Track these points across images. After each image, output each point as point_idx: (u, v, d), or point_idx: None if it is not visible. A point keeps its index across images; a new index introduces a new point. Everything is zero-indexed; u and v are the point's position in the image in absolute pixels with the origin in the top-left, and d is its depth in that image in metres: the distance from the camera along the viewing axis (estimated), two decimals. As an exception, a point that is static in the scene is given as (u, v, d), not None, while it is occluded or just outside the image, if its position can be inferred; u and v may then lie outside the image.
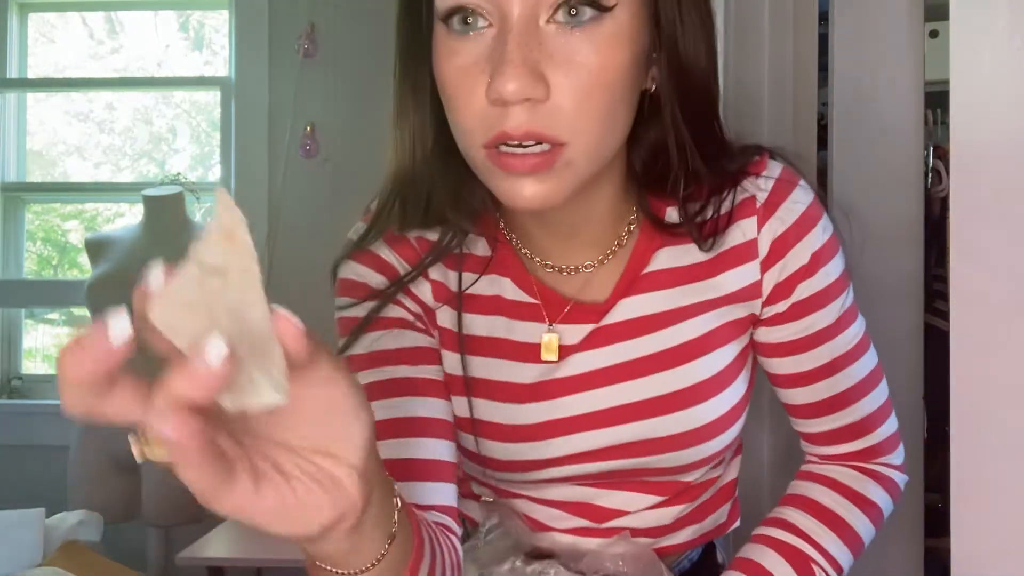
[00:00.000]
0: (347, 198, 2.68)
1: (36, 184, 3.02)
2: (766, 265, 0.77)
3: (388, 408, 0.73)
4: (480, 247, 0.79)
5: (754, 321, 0.80)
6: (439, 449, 0.73)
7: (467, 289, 0.79)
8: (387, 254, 0.78)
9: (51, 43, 3.09)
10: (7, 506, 2.16)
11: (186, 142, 3.11)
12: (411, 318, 0.78)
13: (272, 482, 0.41)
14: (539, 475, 0.80)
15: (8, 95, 2.93)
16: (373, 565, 0.50)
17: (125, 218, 3.10)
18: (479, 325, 0.79)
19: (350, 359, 0.77)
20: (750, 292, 0.78)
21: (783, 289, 0.77)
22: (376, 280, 0.78)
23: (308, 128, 2.69)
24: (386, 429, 0.71)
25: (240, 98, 2.76)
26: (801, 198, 0.77)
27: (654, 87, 0.70)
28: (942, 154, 1.63)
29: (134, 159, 3.12)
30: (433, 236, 0.78)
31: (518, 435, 0.78)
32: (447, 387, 0.79)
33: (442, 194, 0.74)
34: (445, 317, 0.79)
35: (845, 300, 0.80)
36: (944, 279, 1.57)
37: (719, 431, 0.78)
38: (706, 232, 0.75)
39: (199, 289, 0.37)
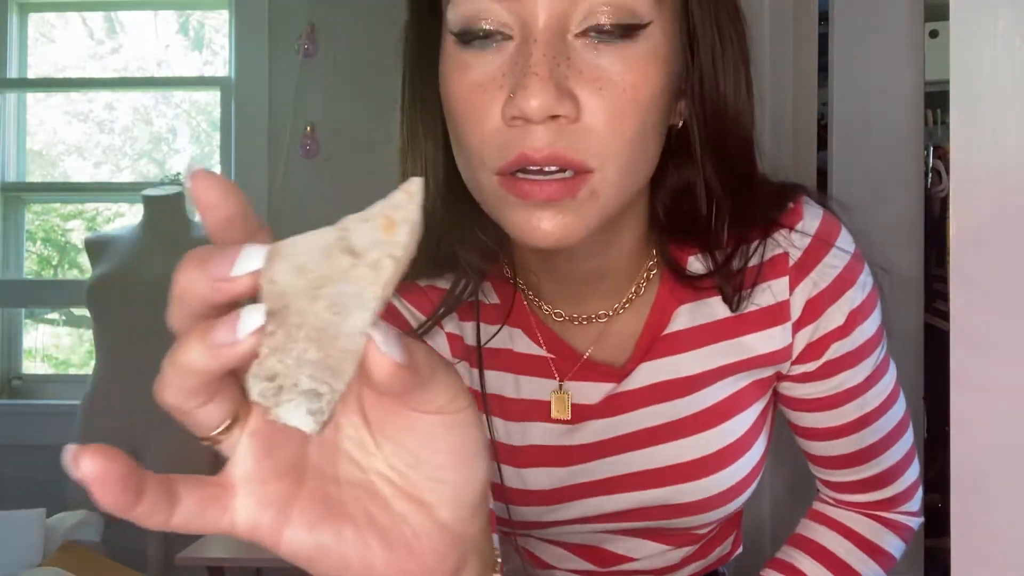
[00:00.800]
0: (347, 198, 2.68)
1: (36, 184, 3.02)
2: (798, 326, 0.71)
3: None
4: (492, 295, 0.73)
5: (779, 376, 0.75)
6: None
7: (486, 343, 0.72)
8: (397, 303, 0.72)
9: (51, 43, 3.09)
10: (7, 506, 2.16)
11: (186, 142, 3.11)
12: None
13: (354, 534, 0.35)
14: (547, 533, 0.78)
15: (8, 95, 2.93)
16: None
17: (125, 218, 3.10)
18: (490, 382, 0.73)
19: None
20: (780, 355, 0.72)
21: (816, 349, 0.71)
22: None
23: (308, 128, 2.69)
24: None
25: (240, 98, 2.76)
26: (838, 258, 0.70)
27: (681, 123, 0.64)
28: (942, 154, 1.63)
29: (134, 159, 3.12)
30: (444, 284, 0.70)
31: (531, 499, 0.74)
32: None
33: (454, 234, 0.66)
34: (463, 373, 0.73)
35: (879, 354, 0.75)
36: (944, 279, 1.57)
37: (740, 492, 0.74)
38: (733, 286, 0.69)
39: (322, 258, 0.33)
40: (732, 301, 0.68)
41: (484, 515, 0.38)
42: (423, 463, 0.35)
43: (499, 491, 0.73)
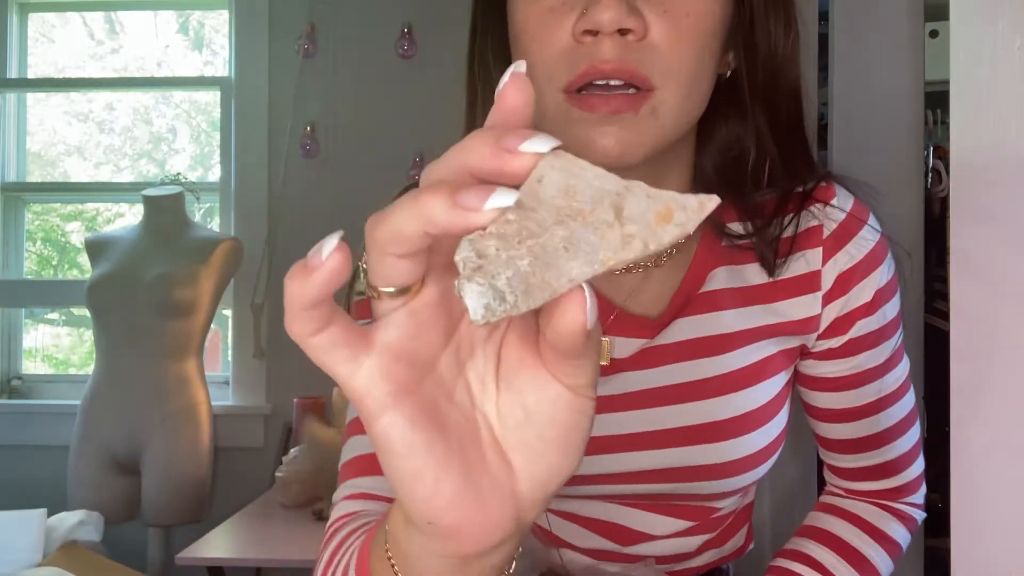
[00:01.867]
0: (347, 198, 2.70)
1: (36, 184, 3.02)
2: (828, 299, 0.74)
3: None
4: None
5: (803, 352, 0.77)
6: None
7: None
8: None
9: (51, 43, 3.09)
10: (7, 506, 2.16)
11: (186, 142, 3.11)
12: None
13: (450, 457, 0.34)
14: (570, 491, 0.76)
15: (8, 95, 2.93)
16: None
17: (125, 218, 3.10)
18: None
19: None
20: (808, 325, 0.74)
21: (842, 324, 0.74)
22: None
23: (308, 128, 2.69)
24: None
25: (240, 98, 2.76)
26: (871, 235, 0.74)
27: (729, 73, 0.68)
28: (942, 154, 1.63)
29: (134, 159, 3.12)
30: None
31: None
32: None
33: None
34: None
35: (898, 339, 0.78)
36: (944, 279, 1.57)
37: (761, 461, 0.75)
38: (772, 252, 0.72)
39: (592, 197, 0.32)
40: (771, 266, 0.71)
41: (542, 512, 0.38)
42: (530, 426, 0.35)
43: None
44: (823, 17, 1.44)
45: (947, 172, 1.64)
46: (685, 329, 0.73)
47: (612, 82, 0.59)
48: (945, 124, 1.62)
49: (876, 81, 1.33)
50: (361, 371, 0.34)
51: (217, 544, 1.90)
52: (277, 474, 2.19)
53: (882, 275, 0.74)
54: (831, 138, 1.37)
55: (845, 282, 0.73)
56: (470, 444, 0.35)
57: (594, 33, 0.58)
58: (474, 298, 0.32)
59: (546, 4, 0.61)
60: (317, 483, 2.11)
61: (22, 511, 2.06)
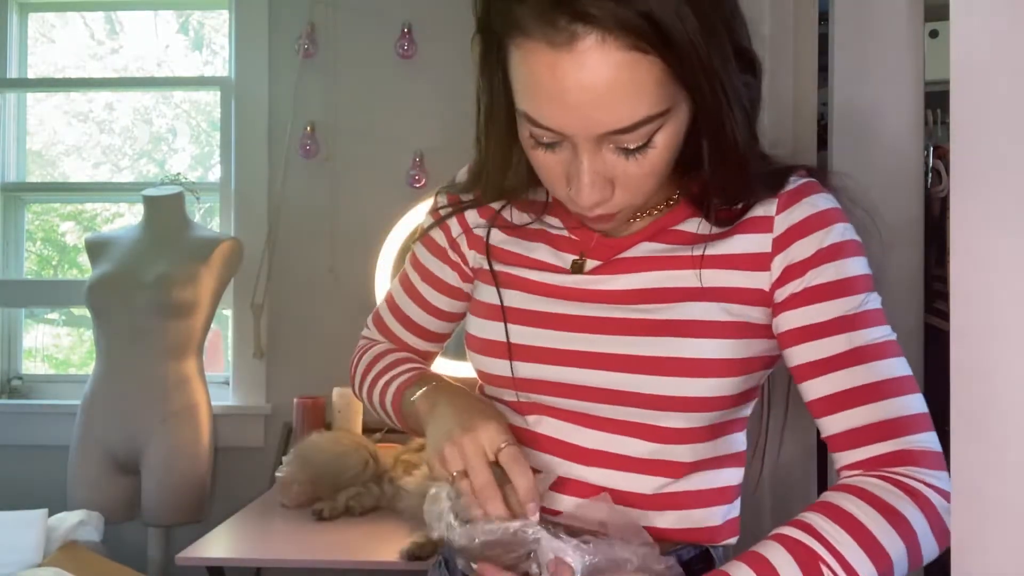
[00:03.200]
0: (347, 198, 2.70)
1: (36, 184, 3.02)
2: (778, 244, 0.85)
3: (419, 316, 1.07)
4: (543, 195, 0.97)
5: (764, 301, 0.85)
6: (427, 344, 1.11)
7: (521, 224, 0.99)
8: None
9: (51, 43, 3.09)
10: (7, 506, 2.16)
11: (186, 142, 3.11)
12: (452, 253, 1.02)
13: None
14: (541, 383, 0.90)
15: (8, 95, 2.93)
16: None
17: (125, 218, 3.10)
18: (523, 250, 0.97)
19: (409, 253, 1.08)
20: (757, 261, 0.85)
21: (795, 270, 0.84)
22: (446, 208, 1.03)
23: (308, 128, 2.69)
24: (414, 328, 1.08)
25: (240, 98, 2.76)
26: (825, 199, 0.86)
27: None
28: (942, 154, 1.63)
29: (134, 159, 3.12)
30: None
31: (541, 322, 0.91)
32: (475, 314, 0.98)
33: (519, 177, 0.91)
34: (487, 234, 1.00)
35: (867, 300, 0.83)
36: (944, 279, 1.57)
37: (698, 372, 0.83)
38: (727, 217, 0.86)
39: None
40: (717, 225, 0.87)
41: None
42: None
43: (514, 314, 0.93)
44: (823, 17, 1.44)
45: (947, 172, 1.64)
46: (648, 248, 0.89)
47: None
48: (945, 124, 1.62)
49: (876, 81, 1.33)
50: None
51: (217, 544, 1.90)
52: (277, 474, 2.19)
53: (835, 233, 0.84)
54: (831, 138, 1.38)
55: (796, 232, 0.84)
56: None
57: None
58: None
59: (539, 156, 0.82)
60: (317, 483, 2.11)
61: (24, 511, 2.06)
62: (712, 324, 0.84)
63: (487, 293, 0.96)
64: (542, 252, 0.95)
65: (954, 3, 0.49)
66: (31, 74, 2.99)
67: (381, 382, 1.03)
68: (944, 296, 1.54)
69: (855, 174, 1.23)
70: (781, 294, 0.84)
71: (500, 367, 0.93)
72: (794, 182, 0.86)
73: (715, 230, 0.87)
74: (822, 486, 1.37)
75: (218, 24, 3.03)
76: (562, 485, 0.89)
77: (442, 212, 1.03)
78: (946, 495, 0.76)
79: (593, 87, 0.73)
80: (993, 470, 0.53)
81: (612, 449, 0.88)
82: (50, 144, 3.11)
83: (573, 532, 0.80)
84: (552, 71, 0.74)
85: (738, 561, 0.75)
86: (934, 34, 1.56)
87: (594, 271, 0.91)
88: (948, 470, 0.78)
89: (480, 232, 1.00)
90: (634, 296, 0.88)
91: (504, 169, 0.90)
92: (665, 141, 0.79)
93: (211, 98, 2.99)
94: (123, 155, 3.12)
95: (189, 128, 3.11)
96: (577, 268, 0.92)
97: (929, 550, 0.77)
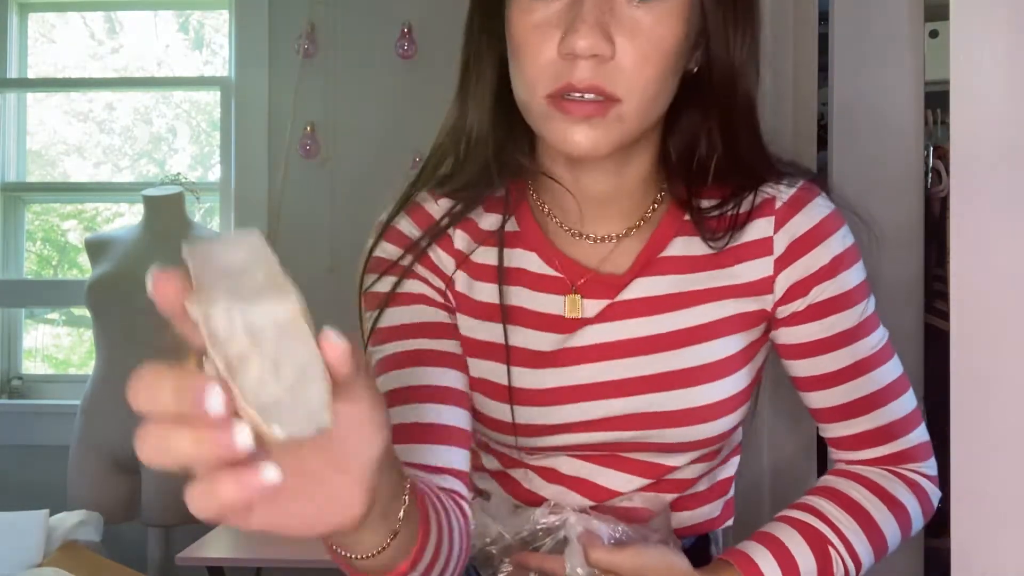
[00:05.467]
0: (347, 198, 2.70)
1: (36, 184, 3.02)
2: (780, 264, 0.81)
3: (407, 377, 0.77)
4: (510, 224, 0.85)
5: (767, 319, 0.83)
6: (454, 416, 0.77)
7: (486, 262, 0.84)
8: (405, 223, 0.85)
9: (51, 43, 3.09)
10: (7, 506, 2.16)
11: (186, 142, 3.11)
12: (432, 293, 0.83)
13: (288, 497, 0.43)
14: (544, 441, 0.83)
15: (8, 95, 2.93)
16: (373, 555, 0.54)
17: (125, 218, 3.09)
18: (507, 294, 0.84)
19: (374, 332, 0.81)
20: (761, 287, 0.81)
21: (799, 289, 0.81)
22: (397, 253, 0.83)
23: (308, 128, 2.69)
24: (405, 396, 0.76)
25: (240, 98, 2.76)
26: (822, 205, 0.82)
27: (695, 68, 0.78)
28: (942, 154, 1.63)
29: (134, 159, 3.12)
30: (447, 204, 0.85)
31: (530, 399, 0.82)
32: (464, 353, 0.83)
33: (488, 146, 0.81)
34: (463, 284, 0.84)
35: (866, 308, 0.83)
36: (944, 279, 1.57)
37: (712, 416, 0.81)
38: (719, 228, 0.81)
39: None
40: (713, 240, 0.80)
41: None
42: (340, 447, 0.44)
43: (501, 391, 0.82)
44: (823, 17, 1.44)
45: (947, 172, 1.64)
46: (643, 288, 0.82)
47: (586, 95, 0.71)
48: (945, 124, 1.62)
49: (876, 81, 1.33)
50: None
51: (217, 544, 1.90)
52: (277, 474, 2.19)
53: (836, 242, 0.81)
54: (831, 138, 1.38)
55: (797, 248, 0.80)
56: (299, 482, 0.44)
57: (572, 54, 0.70)
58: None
59: (534, 20, 0.72)
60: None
61: (25, 512, 2.06)
62: (721, 363, 0.81)
63: (475, 367, 0.83)
64: (524, 299, 0.83)
65: (954, 3, 0.49)
66: (31, 74, 2.99)
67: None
68: (944, 296, 1.54)
69: (855, 174, 1.23)
70: (784, 311, 0.82)
71: (501, 427, 0.84)
72: (789, 189, 0.81)
73: (708, 249, 0.81)
74: (821, 469, 1.38)
75: (218, 24, 3.03)
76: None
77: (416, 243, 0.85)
78: (934, 480, 0.86)
79: None
80: (993, 470, 0.53)
81: (622, 488, 0.85)
82: (50, 144, 3.11)
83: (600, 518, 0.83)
84: None
85: (754, 542, 0.80)
86: (934, 34, 1.56)
87: (588, 322, 0.82)
88: (938, 465, 0.86)
89: (463, 280, 0.85)
90: (641, 346, 0.81)
91: (493, 132, 0.81)
92: (675, 20, 0.72)
93: (211, 98, 2.99)
94: (123, 155, 3.12)
95: (189, 128, 3.11)
96: (574, 309, 0.82)
97: (916, 527, 0.85)
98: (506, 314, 0.82)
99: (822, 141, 1.48)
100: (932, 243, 1.57)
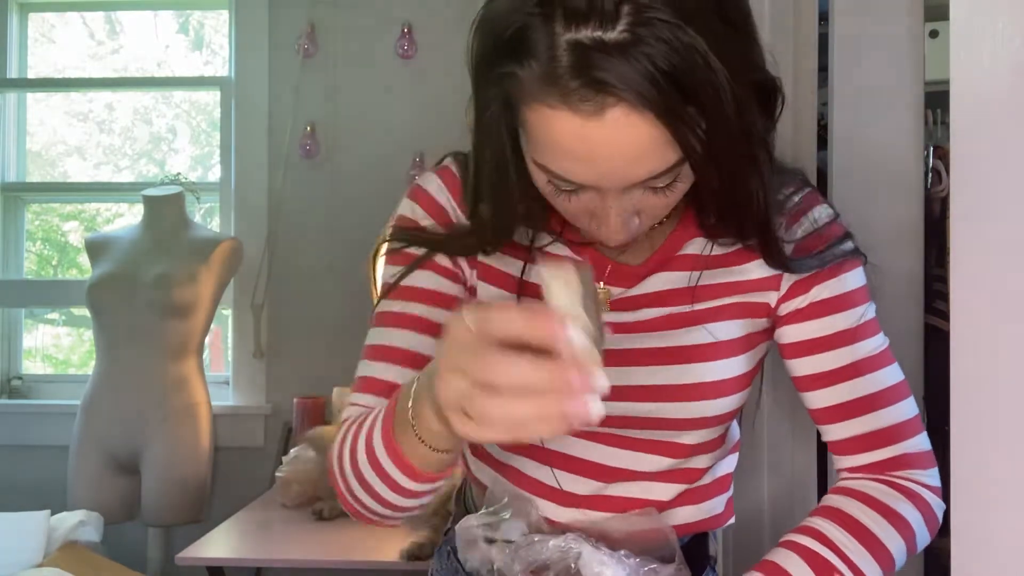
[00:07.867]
0: (347, 198, 2.70)
1: (36, 184, 3.02)
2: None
3: (411, 340, 0.85)
4: (523, 237, 0.88)
5: (770, 313, 0.87)
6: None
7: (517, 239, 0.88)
8: (436, 189, 0.90)
9: (51, 43, 3.09)
10: (7, 506, 2.16)
11: (186, 142, 3.11)
12: (449, 264, 0.88)
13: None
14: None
15: (8, 95, 2.93)
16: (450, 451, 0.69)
17: (125, 218, 3.10)
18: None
19: (395, 288, 0.88)
20: (769, 283, 0.86)
21: (800, 287, 0.85)
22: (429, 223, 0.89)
23: (308, 128, 2.69)
24: (398, 356, 0.84)
25: (240, 98, 2.76)
26: (823, 211, 0.86)
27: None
28: (942, 154, 1.63)
29: (134, 159, 3.12)
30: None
31: None
32: None
33: (515, 209, 0.83)
34: (492, 256, 0.89)
35: (866, 312, 0.85)
36: (944, 279, 1.57)
37: (716, 394, 0.84)
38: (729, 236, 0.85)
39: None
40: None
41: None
42: None
43: None
44: (823, 17, 1.43)
45: (947, 172, 1.64)
46: (657, 282, 0.86)
47: None
48: (945, 124, 1.62)
49: (876, 81, 1.33)
50: None
51: (217, 544, 1.90)
52: (277, 474, 2.19)
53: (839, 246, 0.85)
54: (831, 138, 1.37)
55: (802, 250, 0.84)
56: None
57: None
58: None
59: (561, 200, 0.75)
60: (317, 483, 2.11)
61: (26, 513, 2.07)
62: (728, 344, 0.85)
63: None
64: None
65: (954, 3, 0.49)
66: (31, 74, 3.00)
67: (362, 438, 0.77)
68: (944, 296, 1.54)
69: (855, 174, 1.23)
70: (786, 308, 0.86)
71: None
72: (795, 198, 0.86)
73: (719, 249, 0.86)
74: (822, 474, 1.37)
75: (218, 24, 3.03)
76: (583, 501, 0.88)
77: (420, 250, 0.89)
78: (936, 491, 0.86)
79: (627, 149, 0.68)
80: (993, 470, 0.53)
81: (633, 467, 0.87)
82: (50, 144, 3.11)
83: (612, 547, 0.83)
84: (581, 139, 0.68)
85: (755, 572, 0.79)
86: (934, 34, 1.56)
87: (615, 305, 0.87)
88: (938, 466, 0.86)
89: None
90: (653, 325, 0.86)
91: (513, 212, 0.82)
92: (690, 172, 0.74)
93: (211, 98, 2.99)
94: (123, 155, 3.12)
95: (189, 128, 3.11)
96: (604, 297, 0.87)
97: (922, 542, 0.84)
98: (522, 288, 0.86)
99: (822, 141, 1.48)
100: (932, 243, 1.56)
